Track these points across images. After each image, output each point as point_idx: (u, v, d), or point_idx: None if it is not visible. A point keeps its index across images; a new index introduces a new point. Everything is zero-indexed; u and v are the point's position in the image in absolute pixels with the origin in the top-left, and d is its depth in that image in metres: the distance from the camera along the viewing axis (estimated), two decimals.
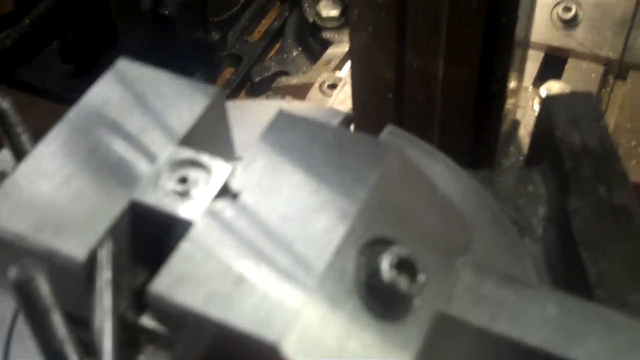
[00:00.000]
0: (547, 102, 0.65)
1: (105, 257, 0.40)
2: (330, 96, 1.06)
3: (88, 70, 1.34)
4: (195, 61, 1.31)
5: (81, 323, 0.43)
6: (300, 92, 1.17)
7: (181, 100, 0.47)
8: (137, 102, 0.47)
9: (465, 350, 0.45)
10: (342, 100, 1.01)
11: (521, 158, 0.89)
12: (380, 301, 0.40)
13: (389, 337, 0.39)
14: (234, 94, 1.32)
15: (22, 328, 0.53)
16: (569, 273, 0.56)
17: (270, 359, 0.37)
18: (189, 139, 0.46)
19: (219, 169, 0.43)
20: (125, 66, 0.50)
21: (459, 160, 0.63)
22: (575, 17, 1.09)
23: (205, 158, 0.44)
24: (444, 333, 0.43)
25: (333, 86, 1.08)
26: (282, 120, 0.46)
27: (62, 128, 0.47)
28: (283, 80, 1.23)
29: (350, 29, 0.81)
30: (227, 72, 1.35)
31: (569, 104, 0.63)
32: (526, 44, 0.85)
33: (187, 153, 0.44)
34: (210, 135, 0.48)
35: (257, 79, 1.30)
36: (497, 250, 0.53)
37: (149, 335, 0.45)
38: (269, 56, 1.37)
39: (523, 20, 0.75)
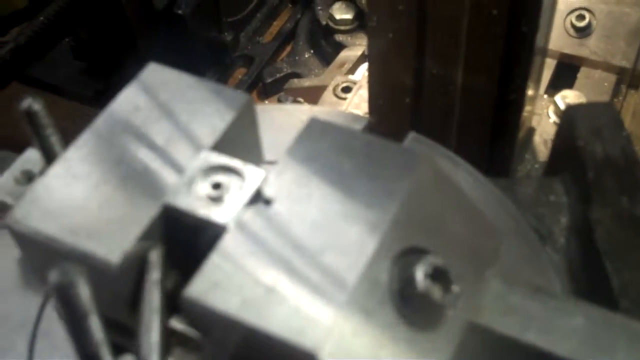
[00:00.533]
0: (569, 112, 0.65)
1: (155, 258, 0.41)
2: (344, 99, 1.06)
3: (100, 68, 1.34)
4: (208, 61, 1.32)
5: (111, 325, 0.43)
6: (312, 94, 1.17)
7: (211, 106, 0.47)
8: (166, 109, 0.47)
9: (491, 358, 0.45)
10: (357, 104, 1.01)
11: (537, 165, 0.90)
12: (414, 311, 0.40)
13: (421, 347, 0.40)
14: None
15: (47, 325, 0.54)
16: (592, 283, 0.57)
17: None
18: (220, 146, 0.46)
19: (252, 175, 0.43)
20: (153, 71, 0.50)
21: (475, 167, 0.63)
22: (588, 25, 1.09)
23: (238, 164, 0.44)
24: (473, 342, 0.43)
25: (347, 89, 1.08)
26: (314, 128, 0.46)
27: (90, 134, 0.47)
28: (295, 82, 1.24)
29: (369, 35, 0.81)
30: (239, 73, 1.36)
31: (590, 114, 0.63)
32: (544, 52, 0.85)
33: (220, 159, 0.44)
34: (240, 142, 0.48)
35: (269, 80, 1.31)
36: (521, 259, 0.53)
37: (179, 337, 0.45)
38: (280, 58, 1.37)
39: (543, 29, 0.76)
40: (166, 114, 0.47)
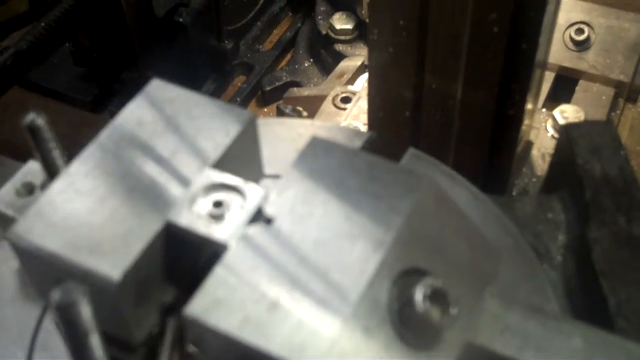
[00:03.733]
0: (568, 130, 0.65)
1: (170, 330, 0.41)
2: (344, 110, 1.06)
3: (99, 74, 1.34)
4: (208, 68, 1.32)
5: (110, 340, 0.43)
6: (312, 103, 1.17)
7: (214, 123, 0.48)
8: (170, 125, 0.48)
9: None
10: (356, 115, 1.01)
11: (534, 179, 0.90)
12: (412, 331, 0.40)
13: None
14: (244, 102, 1.33)
15: (45, 337, 0.54)
16: (588, 301, 0.57)
17: None
18: (222, 162, 0.46)
19: (253, 194, 0.44)
20: (158, 87, 0.50)
21: (473, 181, 0.63)
22: (587, 39, 1.10)
23: (240, 182, 0.44)
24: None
25: (346, 100, 1.08)
26: (316, 147, 0.46)
27: (95, 148, 0.47)
28: (295, 91, 1.24)
29: (370, 48, 0.81)
30: (239, 81, 1.36)
31: (589, 133, 0.63)
32: (544, 66, 0.85)
33: (222, 177, 0.44)
34: (242, 158, 0.48)
35: (268, 88, 1.31)
36: (520, 278, 0.54)
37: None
38: (280, 66, 1.37)
39: (543, 46, 0.76)
40: (170, 129, 0.47)
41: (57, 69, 1.37)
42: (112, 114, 1.33)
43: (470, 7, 0.70)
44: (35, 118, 0.47)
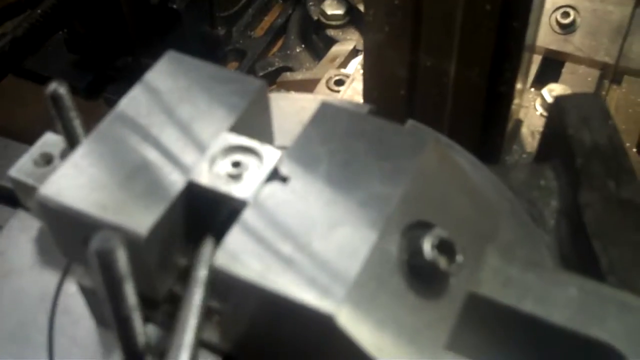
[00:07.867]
0: (559, 102, 0.68)
1: (207, 253, 0.43)
2: (337, 92, 1.09)
3: (93, 61, 1.36)
4: (201, 55, 1.32)
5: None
6: (305, 87, 1.20)
7: (228, 91, 0.50)
8: (187, 93, 0.50)
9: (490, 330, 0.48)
10: (350, 96, 1.04)
11: (524, 156, 0.93)
12: (421, 280, 0.43)
13: (428, 313, 0.43)
14: None
15: (66, 301, 0.56)
16: (581, 262, 0.60)
17: (322, 330, 0.40)
18: (237, 128, 0.49)
19: (269, 154, 0.46)
20: (174, 58, 0.52)
21: None
22: (573, 22, 1.13)
23: (256, 144, 0.47)
24: (474, 313, 0.46)
25: (340, 82, 1.11)
26: (326, 111, 0.49)
27: (114, 117, 0.49)
28: (288, 76, 1.26)
29: (365, 29, 0.84)
30: (231, 67, 1.38)
31: (579, 104, 0.66)
32: (532, 49, 0.88)
33: (239, 139, 0.47)
34: (254, 124, 0.51)
35: (261, 73, 1.33)
36: (517, 239, 0.57)
37: None
38: (272, 52, 1.39)
39: (533, 25, 0.79)
40: (186, 98, 0.50)
41: (50, 57, 1.38)
42: (107, 100, 1.35)
43: None
44: (57, 87, 0.50)
